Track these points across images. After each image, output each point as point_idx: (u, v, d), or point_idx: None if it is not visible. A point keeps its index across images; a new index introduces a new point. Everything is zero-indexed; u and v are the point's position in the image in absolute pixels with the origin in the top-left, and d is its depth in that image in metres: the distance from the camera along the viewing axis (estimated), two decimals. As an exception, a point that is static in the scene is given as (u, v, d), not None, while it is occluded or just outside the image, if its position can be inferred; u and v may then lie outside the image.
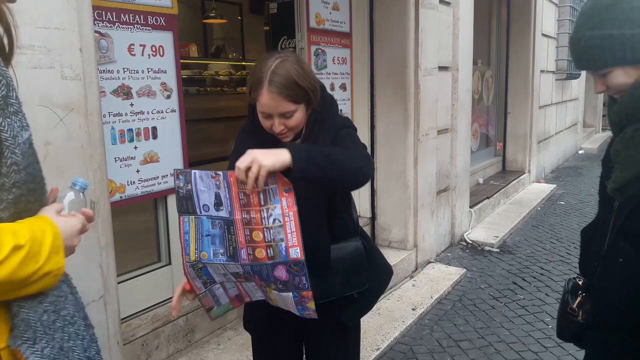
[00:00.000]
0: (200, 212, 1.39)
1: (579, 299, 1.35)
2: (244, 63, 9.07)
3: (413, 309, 3.42)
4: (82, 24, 1.67)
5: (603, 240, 1.29)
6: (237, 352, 2.45)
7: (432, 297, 3.60)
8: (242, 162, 1.29)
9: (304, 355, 1.80)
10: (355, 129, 1.63)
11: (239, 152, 1.37)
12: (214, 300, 1.50)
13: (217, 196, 1.39)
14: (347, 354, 1.74)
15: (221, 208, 1.38)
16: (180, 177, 1.38)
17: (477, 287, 3.89)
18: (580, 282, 1.40)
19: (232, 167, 1.41)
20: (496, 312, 3.47)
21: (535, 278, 4.06)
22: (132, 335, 2.25)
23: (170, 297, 2.52)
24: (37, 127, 1.55)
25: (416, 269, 4.10)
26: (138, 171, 2.37)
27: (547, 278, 4.06)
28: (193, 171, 1.39)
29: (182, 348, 2.50)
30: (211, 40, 9.45)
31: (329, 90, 1.98)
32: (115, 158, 2.27)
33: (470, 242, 4.83)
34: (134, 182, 2.35)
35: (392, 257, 3.87)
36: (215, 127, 5.76)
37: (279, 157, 1.29)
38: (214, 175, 1.37)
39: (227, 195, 1.37)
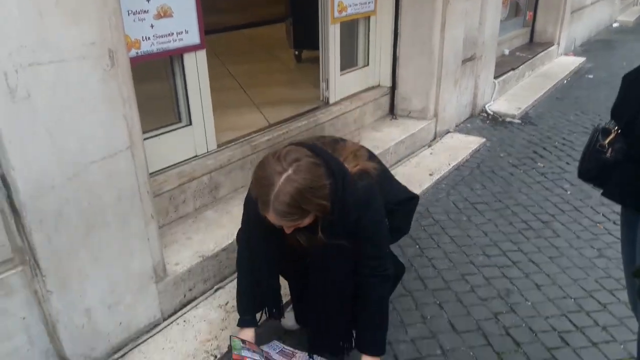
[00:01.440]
0: None
1: (612, 136, 1.33)
2: None
3: (430, 174, 3.45)
4: None
5: None
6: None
7: (449, 164, 3.62)
8: None
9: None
10: (373, 207, 1.61)
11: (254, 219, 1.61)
12: None
13: None
14: None
15: None
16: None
17: (496, 155, 3.89)
18: (608, 127, 1.37)
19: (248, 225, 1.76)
20: (514, 179, 3.50)
21: (556, 147, 4.03)
22: (159, 190, 2.32)
23: (194, 157, 2.57)
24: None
25: (435, 138, 4.07)
26: (152, 26, 2.28)
27: (568, 148, 4.02)
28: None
29: (208, 203, 2.60)
30: None
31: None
32: (128, 11, 2.17)
33: (492, 113, 4.74)
34: (148, 37, 2.27)
35: (410, 126, 3.84)
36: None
37: None
38: None
39: None
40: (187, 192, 2.48)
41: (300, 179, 1.39)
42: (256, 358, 1.72)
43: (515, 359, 1.95)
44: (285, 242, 1.68)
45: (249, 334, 1.83)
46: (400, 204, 1.80)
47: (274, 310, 1.91)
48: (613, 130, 1.35)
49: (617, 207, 3.03)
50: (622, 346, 2.01)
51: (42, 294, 1.66)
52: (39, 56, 1.48)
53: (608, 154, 1.34)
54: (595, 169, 1.41)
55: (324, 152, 1.52)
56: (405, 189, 1.87)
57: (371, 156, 1.75)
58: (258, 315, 1.88)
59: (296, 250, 1.70)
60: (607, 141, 1.35)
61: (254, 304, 1.86)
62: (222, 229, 2.41)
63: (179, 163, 2.50)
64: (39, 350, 1.74)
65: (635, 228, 1.39)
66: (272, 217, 1.44)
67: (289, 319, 2.09)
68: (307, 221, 1.49)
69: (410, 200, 1.84)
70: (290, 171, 1.38)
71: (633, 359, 1.92)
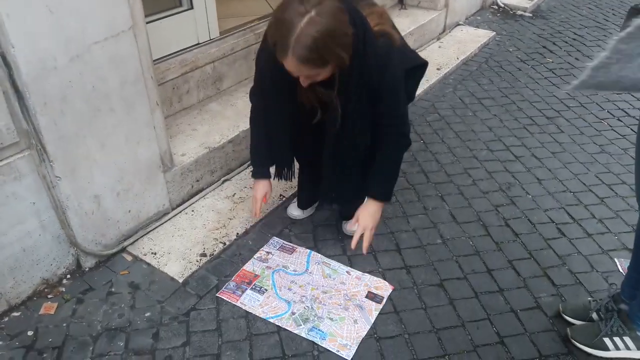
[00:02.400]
0: None
1: None
2: None
3: (438, 69, 3.37)
4: None
5: None
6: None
7: (457, 58, 3.52)
8: (355, 237, 1.73)
9: None
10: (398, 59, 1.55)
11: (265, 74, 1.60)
12: None
13: None
14: None
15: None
16: None
17: (505, 50, 3.77)
18: None
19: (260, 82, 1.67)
20: (522, 74, 3.43)
21: (566, 43, 3.90)
22: (162, 78, 2.25)
23: (196, 44, 2.48)
24: None
25: (444, 30, 3.92)
26: None
27: (579, 43, 3.90)
28: None
29: (212, 94, 2.55)
30: None
31: None
32: None
33: (503, 5, 4.52)
34: None
35: (420, 17, 3.68)
36: None
37: (378, 214, 1.76)
38: None
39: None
40: (191, 82, 2.41)
41: (324, 21, 1.30)
42: None
43: (512, 248, 2.04)
44: (298, 103, 1.63)
45: (263, 186, 1.87)
46: (413, 69, 1.75)
47: (285, 169, 1.89)
48: None
49: (623, 104, 3.04)
50: (616, 237, 2.09)
51: (51, 179, 1.67)
52: None
53: None
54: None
55: (348, 1, 1.43)
56: (417, 55, 1.79)
57: (394, 27, 1.66)
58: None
59: (309, 111, 1.66)
60: None
61: (267, 157, 1.85)
62: (227, 120, 2.38)
63: (181, 51, 2.40)
64: (51, 235, 1.78)
65: None
66: (290, 63, 1.36)
67: (293, 209, 2.14)
68: (324, 74, 1.43)
69: (421, 67, 1.78)
70: (313, 13, 1.29)
71: (626, 250, 2.01)
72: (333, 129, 1.63)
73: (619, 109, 3.02)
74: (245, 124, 2.37)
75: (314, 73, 1.42)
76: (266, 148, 1.82)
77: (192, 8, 2.41)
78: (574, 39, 3.97)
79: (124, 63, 1.72)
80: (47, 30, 1.48)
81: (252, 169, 1.90)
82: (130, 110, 1.80)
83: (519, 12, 4.44)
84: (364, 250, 1.74)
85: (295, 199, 2.17)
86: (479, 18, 4.31)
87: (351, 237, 1.78)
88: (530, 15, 4.42)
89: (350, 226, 2.01)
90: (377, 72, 1.51)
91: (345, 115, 1.58)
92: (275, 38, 1.36)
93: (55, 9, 1.48)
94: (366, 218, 1.74)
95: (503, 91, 3.20)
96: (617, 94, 3.17)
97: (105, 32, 1.63)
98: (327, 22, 1.30)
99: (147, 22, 1.95)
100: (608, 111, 3.01)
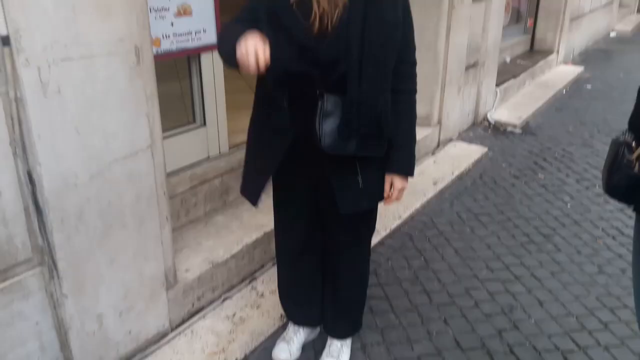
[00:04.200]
0: None
1: (638, 151, 1.32)
2: None
3: (434, 184, 3.48)
4: None
5: None
6: (269, 212, 2.49)
7: (453, 173, 3.65)
8: (392, 197, 1.71)
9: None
10: None
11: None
12: None
13: None
14: (361, 218, 1.77)
15: None
16: None
17: (498, 165, 3.93)
18: (629, 139, 1.37)
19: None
20: (516, 190, 3.54)
21: (556, 159, 4.08)
22: (172, 192, 2.30)
23: (206, 158, 2.56)
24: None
25: (438, 146, 4.10)
26: (172, 24, 2.25)
27: (568, 160, 4.08)
28: None
29: (218, 207, 2.59)
30: None
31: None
32: (150, 8, 2.14)
33: (493, 122, 4.78)
34: (168, 35, 2.25)
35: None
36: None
37: (407, 182, 1.71)
38: None
39: None
40: (199, 195, 2.47)
41: None
42: None
43: (520, 376, 1.99)
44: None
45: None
46: None
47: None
48: (636, 144, 1.34)
49: (616, 222, 3.12)
50: (623, 368, 2.07)
51: (57, 297, 1.66)
52: (71, 51, 1.48)
53: (636, 169, 1.33)
54: (624, 185, 1.38)
55: None
56: None
57: None
58: None
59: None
60: (634, 156, 1.33)
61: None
62: (232, 234, 2.41)
63: (191, 165, 2.49)
64: (49, 358, 1.72)
65: None
66: None
67: (279, 351, 1.99)
68: None
69: None
70: None
71: (634, 381, 1.97)
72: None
73: (613, 227, 3.10)
74: (249, 237, 2.39)
75: None
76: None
77: (205, 125, 2.53)
78: (563, 156, 4.15)
79: (140, 179, 1.77)
80: (73, 149, 1.55)
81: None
82: (141, 226, 1.82)
83: (509, 129, 4.68)
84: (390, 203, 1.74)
85: (280, 339, 2.04)
86: (471, 134, 4.53)
87: None
88: (520, 131, 4.66)
89: None
90: None
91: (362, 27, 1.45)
92: None
93: (82, 130, 1.56)
94: (402, 182, 1.69)
95: (498, 207, 3.30)
96: (609, 211, 3.27)
97: (126, 150, 1.70)
98: None
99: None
100: (602, 229, 3.09)
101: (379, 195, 1.73)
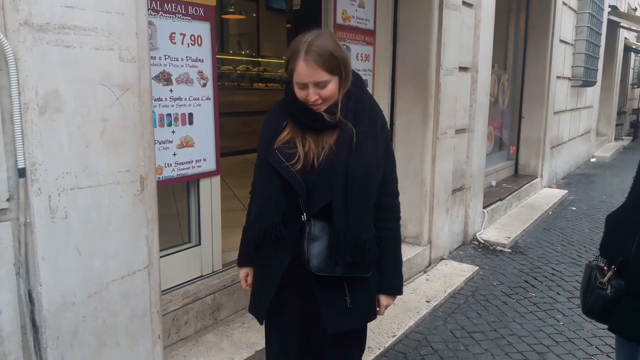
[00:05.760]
0: None
1: (609, 274, 1.44)
2: (259, 59, 9.25)
3: (427, 301, 3.51)
4: (139, 10, 1.78)
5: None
6: (260, 331, 2.54)
7: (445, 291, 3.69)
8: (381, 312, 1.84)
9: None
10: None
11: (271, 123, 1.69)
12: None
13: None
14: (351, 338, 1.81)
15: None
16: None
17: (489, 284, 3.98)
18: (601, 264, 1.49)
19: (261, 152, 1.68)
20: (508, 308, 3.56)
21: (546, 277, 4.14)
22: (164, 310, 2.35)
23: (199, 276, 2.65)
24: (97, 104, 1.67)
25: (429, 264, 4.19)
26: (174, 154, 2.48)
27: (558, 278, 4.14)
28: None
29: (209, 325, 2.62)
30: (227, 36, 9.61)
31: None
32: (155, 141, 2.38)
33: (483, 241, 4.91)
34: (170, 164, 2.47)
35: (406, 251, 3.97)
36: (232, 121, 5.88)
37: (393, 299, 1.84)
38: None
39: None
40: (190, 313, 2.51)
41: (330, 35, 1.59)
42: None
43: None
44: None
45: (244, 270, 1.87)
46: None
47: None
48: (608, 268, 1.46)
49: (609, 340, 3.10)
50: None
51: (43, 418, 1.64)
52: (80, 181, 1.64)
53: (608, 291, 1.44)
54: (598, 305, 1.49)
55: None
56: None
57: None
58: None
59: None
60: (605, 279, 1.45)
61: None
62: (222, 353, 2.41)
63: (184, 283, 2.57)
64: None
65: (635, 357, 1.45)
66: (303, 66, 1.52)
67: None
68: (332, 86, 1.57)
69: None
70: (320, 32, 1.57)
71: None
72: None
73: (606, 344, 3.08)
74: (240, 357, 2.39)
75: (321, 78, 1.55)
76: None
77: (199, 244, 2.66)
78: (553, 274, 4.22)
79: (136, 298, 1.85)
80: (75, 269, 1.65)
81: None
82: (133, 344, 1.86)
83: (499, 248, 4.79)
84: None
85: None
86: (461, 253, 4.63)
87: None
88: (510, 251, 4.77)
89: None
90: (372, 114, 1.69)
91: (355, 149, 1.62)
92: (289, 54, 1.57)
93: (84, 251, 1.67)
94: (388, 300, 1.82)
95: (492, 325, 3.29)
96: (602, 328, 3.26)
97: (124, 271, 1.80)
98: (333, 37, 1.60)
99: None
100: (596, 347, 3.06)
101: (370, 315, 1.80)
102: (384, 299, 1.81)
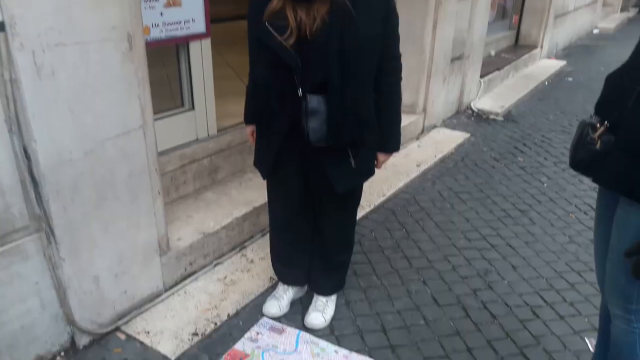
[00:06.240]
0: None
1: (601, 129, 1.48)
2: None
3: (417, 165, 3.63)
4: None
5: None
6: (257, 189, 2.67)
7: (436, 156, 3.80)
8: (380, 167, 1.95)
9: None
10: None
11: (256, 9, 1.62)
12: None
13: None
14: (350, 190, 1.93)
15: None
16: None
17: (479, 149, 4.08)
18: (594, 122, 1.53)
19: (251, 27, 1.67)
20: (496, 171, 3.70)
21: (535, 144, 4.24)
22: (162, 170, 2.43)
23: (195, 139, 2.71)
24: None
25: (422, 132, 4.26)
26: (162, 14, 2.40)
27: (547, 145, 4.24)
28: None
29: (207, 184, 2.74)
30: None
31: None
32: (139, -1, 2.30)
33: (477, 110, 4.94)
34: (158, 24, 2.39)
35: (400, 120, 4.01)
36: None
37: (390, 156, 1.94)
38: None
39: None
40: (188, 173, 2.61)
41: None
42: None
43: (491, 329, 2.14)
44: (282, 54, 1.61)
45: (251, 127, 1.99)
46: None
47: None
48: (600, 125, 1.50)
49: (588, 199, 3.28)
50: (586, 319, 2.21)
51: (55, 260, 1.79)
52: (64, 38, 1.61)
53: (597, 146, 1.49)
54: (586, 159, 1.55)
55: None
56: None
57: None
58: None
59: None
60: (596, 134, 1.49)
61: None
62: (221, 208, 2.55)
63: (181, 145, 2.63)
64: (50, 314, 1.86)
65: (613, 209, 1.53)
66: None
67: (270, 306, 2.15)
68: None
69: None
70: None
71: (595, 330, 2.11)
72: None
73: (585, 203, 3.26)
74: (238, 211, 2.53)
75: None
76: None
77: (193, 109, 2.68)
78: (543, 141, 4.31)
79: (133, 157, 1.91)
80: (67, 127, 1.67)
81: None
82: (134, 199, 1.96)
83: (492, 117, 4.84)
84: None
85: (270, 297, 2.20)
86: (454, 121, 4.69)
87: (311, 330, 2.07)
88: (502, 119, 4.82)
89: (313, 320, 2.10)
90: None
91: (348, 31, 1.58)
92: None
93: (75, 109, 1.69)
94: (385, 157, 1.94)
95: (478, 186, 3.45)
96: (583, 190, 3.42)
97: (118, 129, 1.84)
98: None
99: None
100: (575, 205, 3.24)
101: (371, 172, 1.94)
102: (382, 156, 1.94)
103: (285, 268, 2.19)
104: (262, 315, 2.14)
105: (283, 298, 2.17)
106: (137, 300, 2.11)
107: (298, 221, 2.06)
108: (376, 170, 1.97)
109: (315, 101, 1.63)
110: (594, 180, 1.58)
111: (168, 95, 2.66)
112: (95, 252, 1.89)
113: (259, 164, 1.95)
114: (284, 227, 2.10)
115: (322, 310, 2.12)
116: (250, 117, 1.97)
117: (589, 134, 1.52)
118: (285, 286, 2.21)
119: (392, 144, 1.92)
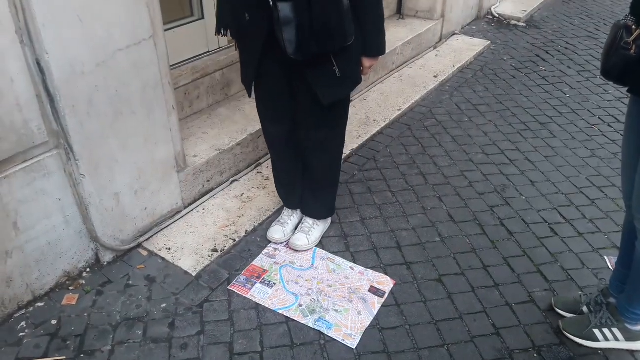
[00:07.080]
0: None
1: (637, 32, 1.35)
2: None
3: (435, 76, 3.50)
4: None
5: None
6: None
7: (454, 66, 3.65)
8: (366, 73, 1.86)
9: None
10: None
11: None
12: None
13: None
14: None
15: None
16: None
17: (499, 58, 3.91)
18: (629, 23, 1.40)
19: None
20: (516, 81, 3.57)
21: (559, 52, 4.05)
22: (175, 84, 2.35)
23: (206, 52, 2.59)
24: None
25: (440, 40, 4.06)
26: None
27: (571, 52, 4.05)
28: None
29: (221, 100, 2.66)
30: None
31: None
32: None
33: (497, 15, 4.68)
34: None
35: (417, 26, 3.81)
36: None
37: (376, 60, 1.85)
38: None
39: None
40: (201, 87, 2.53)
41: None
42: None
43: (507, 246, 2.15)
44: None
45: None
46: None
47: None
48: (636, 27, 1.36)
49: (613, 111, 3.18)
50: (606, 236, 2.22)
51: (76, 177, 1.78)
52: (69, -58, 1.48)
53: (632, 51, 1.36)
54: (620, 65, 1.41)
55: None
56: None
57: None
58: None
59: None
60: (632, 38, 1.36)
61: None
62: (235, 125, 2.50)
63: (192, 58, 2.52)
64: (74, 230, 1.89)
65: None
66: None
67: (274, 232, 2.15)
68: None
69: None
70: None
71: (615, 248, 2.13)
72: None
73: (609, 115, 3.16)
74: (252, 127, 2.48)
75: None
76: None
77: (203, 18, 2.54)
78: (566, 48, 4.11)
79: (145, 69, 1.83)
80: (77, 38, 1.60)
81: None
82: (149, 113, 1.91)
83: (513, 22, 4.59)
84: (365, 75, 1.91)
85: (275, 222, 2.20)
86: (474, 28, 4.45)
87: (297, 251, 2.08)
88: (524, 25, 4.57)
89: (295, 241, 2.09)
90: None
91: None
92: None
93: (85, 18, 1.60)
94: (371, 61, 1.83)
95: (498, 98, 3.34)
96: (608, 100, 3.31)
97: (129, 40, 1.75)
98: None
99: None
100: (599, 117, 3.15)
101: (359, 78, 1.85)
102: (367, 61, 1.83)
103: (283, 189, 2.18)
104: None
105: (288, 224, 2.17)
106: (157, 217, 2.13)
107: (290, 139, 2.00)
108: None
109: (287, 9, 1.53)
110: (629, 91, 1.48)
111: (176, 5, 2.51)
112: (115, 169, 1.88)
113: (244, 81, 1.87)
114: (277, 145, 2.04)
115: (307, 232, 2.11)
116: (217, 28, 1.79)
117: (624, 37, 1.39)
118: (290, 211, 2.20)
119: (375, 47, 1.81)
